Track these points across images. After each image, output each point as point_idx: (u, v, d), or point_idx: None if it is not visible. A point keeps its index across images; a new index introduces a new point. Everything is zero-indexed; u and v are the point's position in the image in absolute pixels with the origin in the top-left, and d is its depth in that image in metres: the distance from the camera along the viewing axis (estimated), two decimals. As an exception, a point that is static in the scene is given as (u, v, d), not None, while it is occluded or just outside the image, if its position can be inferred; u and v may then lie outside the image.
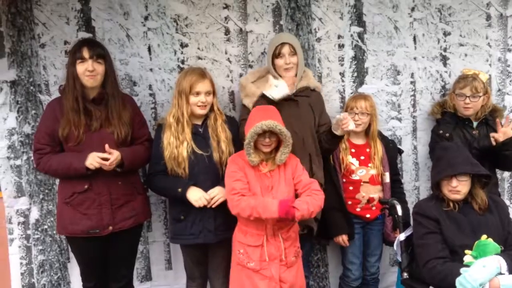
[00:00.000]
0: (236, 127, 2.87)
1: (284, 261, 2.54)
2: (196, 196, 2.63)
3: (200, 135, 2.73)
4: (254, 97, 2.82)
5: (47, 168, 2.62)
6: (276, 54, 2.86)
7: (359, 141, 3.10)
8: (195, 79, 2.69)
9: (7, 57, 2.95)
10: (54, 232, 3.08)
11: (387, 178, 3.06)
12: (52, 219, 3.08)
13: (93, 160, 2.51)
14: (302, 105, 2.86)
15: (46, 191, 3.07)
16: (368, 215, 3.04)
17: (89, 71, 2.54)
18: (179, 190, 2.63)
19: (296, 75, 2.89)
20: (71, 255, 3.06)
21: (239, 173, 2.52)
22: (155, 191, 2.89)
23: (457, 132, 3.10)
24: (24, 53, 2.95)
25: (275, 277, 2.50)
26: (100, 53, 2.60)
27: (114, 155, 2.54)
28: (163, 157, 2.67)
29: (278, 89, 2.72)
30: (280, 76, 2.87)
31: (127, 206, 2.68)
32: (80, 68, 2.55)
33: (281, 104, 2.72)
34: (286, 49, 2.84)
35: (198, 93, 2.69)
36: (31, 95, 2.98)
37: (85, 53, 2.54)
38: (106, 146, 2.53)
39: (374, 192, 3.02)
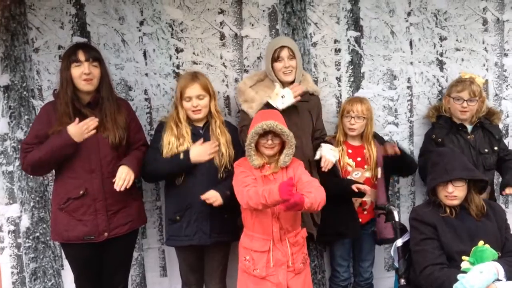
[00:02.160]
0: (233, 131, 2.85)
1: (292, 267, 2.50)
2: (199, 149, 2.61)
3: (201, 137, 2.72)
4: (253, 103, 2.82)
5: (32, 161, 2.51)
6: (275, 58, 2.85)
7: (355, 142, 3.10)
8: (184, 84, 2.71)
9: (0, 61, 2.92)
10: (48, 238, 3.05)
11: (379, 174, 3.06)
12: (44, 225, 3.05)
13: (77, 130, 2.43)
14: (301, 111, 2.86)
15: (37, 198, 3.03)
16: (359, 219, 3.04)
17: (85, 74, 2.51)
18: (181, 156, 2.61)
19: (294, 79, 2.88)
20: (65, 262, 3.03)
21: (247, 172, 2.51)
22: (152, 174, 2.74)
23: (450, 138, 3.11)
24: (18, 58, 2.92)
25: (282, 284, 2.47)
26: (95, 56, 2.58)
27: (126, 178, 2.51)
28: (161, 153, 2.67)
29: (284, 99, 2.73)
30: (279, 79, 2.87)
31: (123, 212, 2.65)
32: (76, 71, 2.53)
33: (281, 111, 2.70)
34: (285, 53, 2.83)
35: (189, 98, 2.69)
36: (24, 100, 2.95)
37: (81, 56, 2.52)
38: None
39: (367, 196, 3.00)
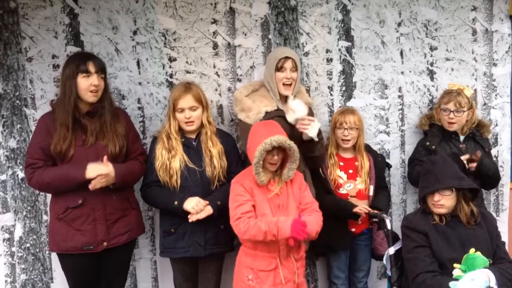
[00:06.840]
0: (226, 139, 2.85)
1: (296, 283, 2.51)
2: (192, 202, 2.60)
3: (193, 149, 2.73)
4: (250, 112, 2.80)
5: (41, 182, 2.52)
6: (278, 68, 2.83)
7: (347, 155, 3.11)
8: (177, 95, 2.71)
9: (-9, 70, 2.92)
10: (37, 250, 3.02)
11: (371, 191, 3.06)
12: (34, 237, 3.03)
13: (93, 173, 2.47)
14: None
15: (29, 208, 3.01)
16: (353, 229, 3.04)
17: (94, 86, 2.50)
18: (176, 203, 2.61)
19: (292, 92, 2.88)
20: (55, 274, 3.02)
21: (244, 197, 2.45)
22: (149, 202, 2.85)
23: (443, 146, 3.14)
24: (11, 67, 2.91)
25: None
26: (103, 67, 2.59)
27: (107, 170, 2.49)
28: (155, 168, 2.67)
29: (296, 113, 2.71)
30: (278, 90, 2.86)
31: (121, 221, 2.64)
32: (84, 82, 2.50)
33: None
34: (288, 64, 2.82)
35: (182, 110, 2.69)
36: (17, 109, 2.95)
37: (91, 68, 2.51)
38: (105, 158, 2.51)
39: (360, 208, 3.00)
